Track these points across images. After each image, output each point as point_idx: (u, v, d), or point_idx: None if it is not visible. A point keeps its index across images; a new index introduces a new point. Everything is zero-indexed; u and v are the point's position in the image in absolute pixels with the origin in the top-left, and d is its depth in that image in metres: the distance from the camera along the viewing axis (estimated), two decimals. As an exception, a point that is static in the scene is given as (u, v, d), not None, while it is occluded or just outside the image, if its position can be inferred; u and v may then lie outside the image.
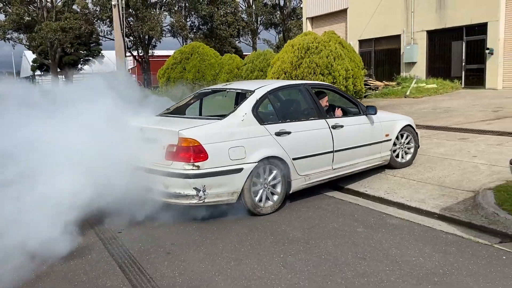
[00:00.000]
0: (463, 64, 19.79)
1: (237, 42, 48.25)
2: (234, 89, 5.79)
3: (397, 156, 6.56)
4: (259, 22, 47.14)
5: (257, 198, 4.80)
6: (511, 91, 17.30)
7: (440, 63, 20.65)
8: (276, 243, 4.11)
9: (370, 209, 5.05)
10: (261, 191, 4.85)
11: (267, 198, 4.93)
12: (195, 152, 4.36)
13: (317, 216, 4.86)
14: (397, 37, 22.55)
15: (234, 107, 5.19)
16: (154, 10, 40.53)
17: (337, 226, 4.51)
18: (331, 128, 5.47)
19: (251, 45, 46.68)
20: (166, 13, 41.71)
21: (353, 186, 5.87)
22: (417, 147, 6.82)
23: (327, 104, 6.11)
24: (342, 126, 5.60)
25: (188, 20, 44.56)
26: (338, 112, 6.14)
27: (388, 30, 22.76)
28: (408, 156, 6.70)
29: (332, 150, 5.45)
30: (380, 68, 23.98)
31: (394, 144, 6.43)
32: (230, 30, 43.89)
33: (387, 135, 6.27)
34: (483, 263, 3.53)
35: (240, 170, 4.57)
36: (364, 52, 24.65)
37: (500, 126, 9.52)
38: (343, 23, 26.14)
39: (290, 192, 5.15)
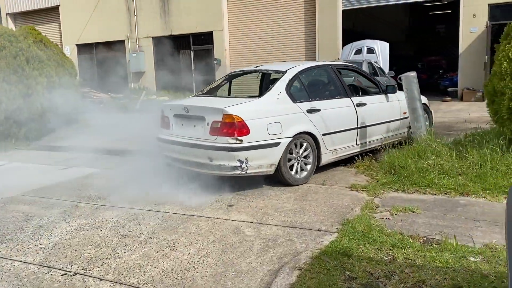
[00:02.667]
0: (193, 74, 18.61)
1: None
2: (265, 70, 6.21)
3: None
4: None
5: (291, 170, 5.14)
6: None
7: (170, 73, 18.87)
8: None
9: None
10: (295, 163, 5.19)
11: (300, 170, 5.25)
12: (238, 127, 4.71)
13: None
14: (122, 43, 19.81)
15: (269, 87, 5.46)
16: None
17: None
18: (355, 106, 5.78)
19: None
20: None
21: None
22: (431, 124, 7.27)
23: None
24: (365, 104, 5.88)
25: None
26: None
27: (111, 34, 19.75)
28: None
29: (356, 126, 5.79)
30: (106, 78, 20.68)
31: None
32: None
33: (404, 113, 6.47)
34: None
35: (277, 144, 4.92)
36: (85, 59, 20.92)
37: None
38: (56, 24, 21.64)
39: (320, 165, 5.45)
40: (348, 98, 5.77)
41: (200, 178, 5.72)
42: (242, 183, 5.35)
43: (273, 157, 4.90)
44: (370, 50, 13.59)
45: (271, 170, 4.96)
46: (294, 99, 5.22)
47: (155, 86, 19.03)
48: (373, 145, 6.14)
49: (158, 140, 5.59)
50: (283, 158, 4.96)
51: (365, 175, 5.47)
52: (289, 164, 5.09)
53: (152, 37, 19.02)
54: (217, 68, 17.67)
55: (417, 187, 4.72)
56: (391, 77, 12.27)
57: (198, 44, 18.31)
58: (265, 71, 6.25)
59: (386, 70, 13.01)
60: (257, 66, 6.36)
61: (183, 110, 5.21)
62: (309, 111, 5.23)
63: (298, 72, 5.51)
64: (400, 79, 5.85)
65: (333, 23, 15.71)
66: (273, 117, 4.92)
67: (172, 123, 5.42)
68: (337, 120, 5.52)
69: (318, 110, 5.32)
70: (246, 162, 4.73)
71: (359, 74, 6.61)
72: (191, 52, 18.50)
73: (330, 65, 6.07)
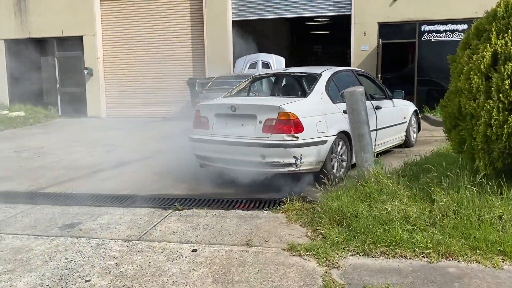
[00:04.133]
0: (58, 86, 15.66)
1: None
2: (298, 73, 6.52)
3: (410, 136, 7.58)
4: None
5: (332, 167, 5.27)
6: (116, 119, 14.55)
7: (28, 84, 15.62)
8: None
9: None
10: (335, 161, 5.33)
11: (338, 168, 5.38)
12: (294, 124, 4.84)
13: None
14: (-37, 45, 15.95)
15: (310, 88, 5.65)
16: None
17: None
18: (375, 109, 6.15)
19: None
20: None
21: None
22: (419, 129, 8.11)
23: None
24: (381, 108, 6.33)
25: None
26: None
27: None
28: (414, 135, 7.83)
29: (376, 128, 6.05)
30: None
31: (409, 126, 7.46)
32: None
33: (404, 118, 7.24)
34: None
35: (325, 141, 5.04)
36: None
37: (124, 180, 5.82)
38: None
39: (351, 163, 5.54)
40: (369, 101, 5.90)
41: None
42: (125, 253, 3.47)
43: (321, 154, 5.03)
44: (265, 65, 12.49)
45: (318, 167, 5.08)
46: (333, 100, 5.47)
47: (7, 99, 15.61)
48: (385, 147, 6.60)
49: (192, 141, 5.61)
50: (328, 155, 5.12)
51: (301, 225, 3.99)
52: (332, 161, 5.27)
53: (4, 40, 15.62)
54: (88, 79, 15.06)
55: (383, 247, 3.36)
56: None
57: (65, 50, 15.45)
58: (298, 74, 6.53)
59: (283, 86, 11.99)
60: (286, 70, 6.76)
61: (229, 109, 5.22)
62: (345, 112, 5.26)
63: (332, 74, 5.81)
64: (342, 95, 4.59)
65: (223, 34, 14.39)
66: (320, 116, 5.12)
67: (212, 122, 5.42)
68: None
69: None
70: (300, 159, 4.83)
71: (369, 79, 6.87)
72: (56, 59, 15.55)
73: (351, 70, 6.61)
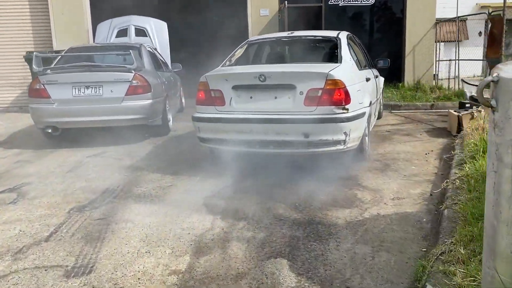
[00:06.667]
0: None
1: None
2: (311, 36, 5.57)
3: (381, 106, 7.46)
4: None
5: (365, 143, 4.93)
6: None
7: None
8: None
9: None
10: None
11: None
12: (345, 94, 4.15)
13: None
14: None
15: (336, 52, 4.93)
16: None
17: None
18: (375, 78, 5.67)
19: None
20: None
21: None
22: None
23: None
24: (377, 77, 6.01)
25: None
26: None
27: None
28: (381, 107, 7.54)
29: (376, 98, 5.63)
30: None
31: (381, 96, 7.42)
32: None
33: (381, 88, 6.82)
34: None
35: (364, 114, 4.49)
36: None
37: None
38: None
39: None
40: (370, 69, 5.53)
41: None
42: None
43: (362, 128, 4.47)
44: (141, 31, 9.13)
45: (357, 144, 4.45)
46: (357, 66, 4.97)
47: None
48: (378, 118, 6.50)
49: (199, 121, 4.55)
50: (365, 129, 4.61)
51: None
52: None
53: None
54: None
55: None
56: (176, 71, 8.22)
57: None
58: (312, 37, 5.54)
59: (168, 60, 8.81)
60: (292, 33, 5.65)
61: (257, 79, 4.29)
62: (367, 80, 4.87)
63: (346, 37, 5.19)
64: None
65: (75, -10, 10.47)
66: (358, 84, 4.49)
67: (230, 97, 4.44)
68: (374, 90, 5.27)
69: (369, 79, 5.04)
70: (349, 135, 4.15)
71: (355, 43, 5.79)
72: None
73: (352, 34, 5.73)
